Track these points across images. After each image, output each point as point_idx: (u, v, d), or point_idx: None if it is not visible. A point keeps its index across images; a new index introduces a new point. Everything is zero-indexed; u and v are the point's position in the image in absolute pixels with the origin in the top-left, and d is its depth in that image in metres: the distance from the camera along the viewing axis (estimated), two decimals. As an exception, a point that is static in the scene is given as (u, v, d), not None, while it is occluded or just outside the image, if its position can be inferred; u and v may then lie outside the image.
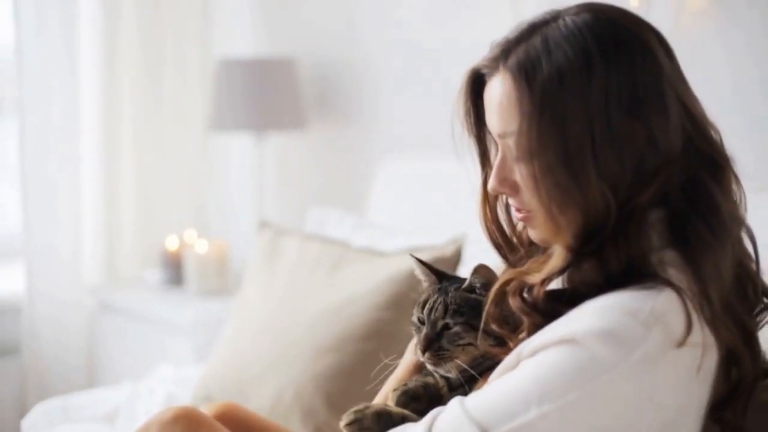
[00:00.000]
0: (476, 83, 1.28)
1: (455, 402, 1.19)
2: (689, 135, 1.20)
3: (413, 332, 1.36)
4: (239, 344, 2.30)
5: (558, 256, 1.21)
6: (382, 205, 2.94)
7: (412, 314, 1.38)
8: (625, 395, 1.11)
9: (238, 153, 3.67)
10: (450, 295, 1.32)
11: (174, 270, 3.38)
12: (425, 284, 1.41)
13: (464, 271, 2.26)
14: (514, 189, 1.23)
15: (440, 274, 1.40)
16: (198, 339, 3.10)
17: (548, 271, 1.21)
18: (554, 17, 1.21)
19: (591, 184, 1.15)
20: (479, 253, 2.35)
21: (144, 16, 3.52)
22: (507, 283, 1.25)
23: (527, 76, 1.17)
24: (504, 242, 1.36)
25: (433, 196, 2.82)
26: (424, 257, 2.14)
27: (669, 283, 1.14)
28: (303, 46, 3.46)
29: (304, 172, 3.55)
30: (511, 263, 1.35)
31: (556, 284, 1.23)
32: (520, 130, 1.18)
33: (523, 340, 1.23)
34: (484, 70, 1.25)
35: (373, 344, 2.08)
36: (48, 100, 3.30)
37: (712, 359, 1.18)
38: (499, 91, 1.21)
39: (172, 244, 3.41)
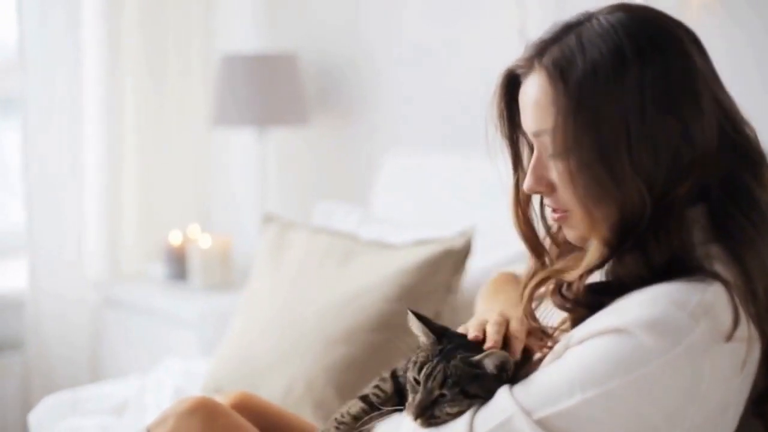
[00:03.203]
0: (510, 85, 1.29)
1: (503, 387, 1.20)
2: (724, 131, 1.22)
3: (408, 388, 1.29)
4: (248, 336, 2.31)
5: (594, 250, 1.22)
6: (386, 199, 2.96)
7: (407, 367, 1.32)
8: (668, 385, 1.12)
9: (240, 148, 3.68)
10: (452, 364, 1.24)
11: (177, 265, 3.40)
12: (422, 340, 1.32)
13: (473, 264, 2.28)
14: (550, 187, 1.25)
15: (440, 331, 1.31)
16: (203, 333, 3.11)
17: (585, 266, 1.22)
18: (588, 17, 1.23)
19: (626, 179, 1.17)
20: (485, 246, 2.38)
21: (147, 11, 3.53)
22: (543, 281, 1.27)
23: (562, 74, 1.19)
24: (537, 243, 1.37)
25: (437, 190, 2.84)
26: (435, 249, 2.17)
27: (717, 277, 1.16)
28: (306, 41, 3.47)
29: (307, 168, 3.56)
30: (542, 264, 1.35)
31: (597, 278, 1.24)
32: (556, 127, 1.19)
33: (564, 332, 1.24)
34: (519, 71, 1.26)
35: (383, 336, 2.10)
36: (51, 96, 3.30)
37: (755, 354, 1.19)
38: (534, 89, 1.22)
39: (175, 238, 3.42)
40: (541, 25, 2.67)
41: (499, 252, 2.34)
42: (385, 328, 2.10)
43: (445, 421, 1.23)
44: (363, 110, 3.32)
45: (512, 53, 2.81)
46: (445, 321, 2.08)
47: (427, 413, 1.24)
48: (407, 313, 1.35)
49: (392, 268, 2.16)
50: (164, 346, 3.20)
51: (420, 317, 1.32)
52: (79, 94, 3.35)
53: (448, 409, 1.23)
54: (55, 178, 3.34)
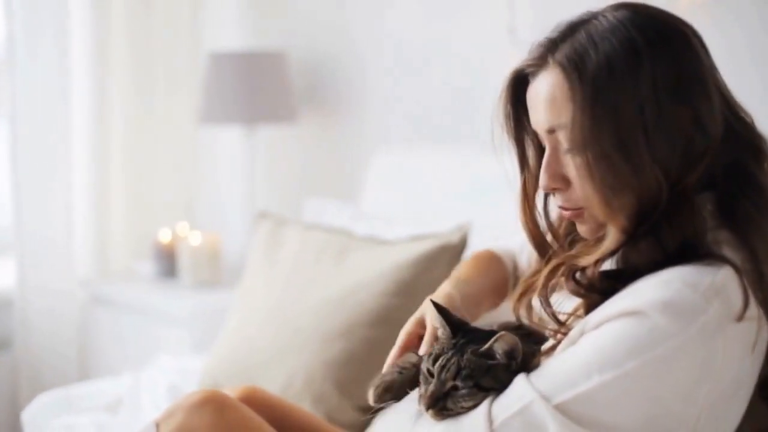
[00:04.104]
0: (517, 85, 1.32)
1: (520, 375, 1.22)
2: (728, 120, 1.26)
3: (420, 380, 1.31)
4: (245, 332, 2.32)
5: (612, 238, 1.25)
6: (375, 196, 2.97)
7: (423, 360, 1.32)
8: (683, 365, 1.15)
9: (228, 146, 3.68)
10: (465, 357, 1.26)
11: (167, 262, 3.40)
12: (440, 332, 1.34)
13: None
14: (566, 183, 1.28)
15: (457, 325, 1.33)
16: (194, 330, 3.12)
17: (602, 252, 1.25)
18: (592, 16, 1.27)
19: (645, 167, 1.20)
20: (476, 241, 2.39)
21: (134, 9, 3.53)
22: (557, 268, 1.30)
23: (577, 68, 1.22)
24: (543, 240, 1.40)
25: (426, 186, 2.85)
26: (431, 245, 2.18)
27: (727, 261, 1.19)
28: (293, 39, 3.48)
29: (295, 165, 3.57)
30: (546, 261, 1.38)
31: (608, 265, 1.27)
32: (573, 121, 1.22)
33: (577, 318, 1.27)
34: (528, 70, 1.29)
35: (381, 331, 2.11)
36: (39, 92, 3.30)
37: (765, 335, 1.23)
38: (547, 85, 1.25)
39: (164, 236, 3.43)
40: (530, 24, 2.71)
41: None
42: (383, 323, 2.12)
43: (458, 414, 1.24)
44: (351, 107, 3.33)
45: (501, 51, 2.84)
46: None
47: (439, 404, 1.25)
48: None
49: (389, 264, 2.17)
50: (154, 344, 3.20)
51: (441, 310, 1.33)
52: (66, 91, 3.34)
53: (463, 403, 1.24)
54: (43, 176, 3.34)
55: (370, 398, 1.36)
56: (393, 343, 2.09)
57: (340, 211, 2.80)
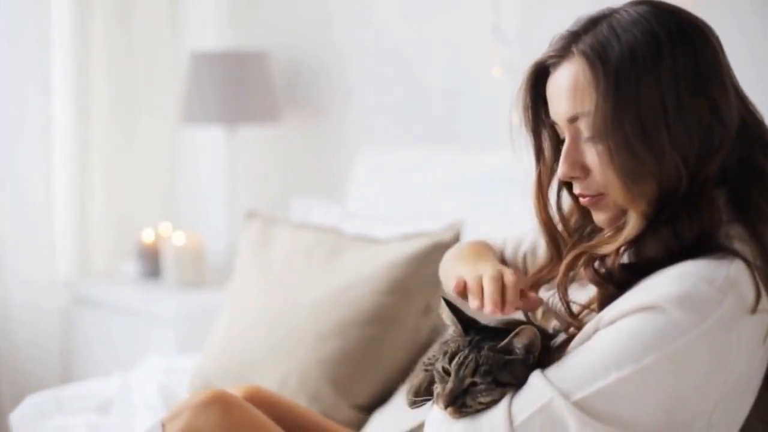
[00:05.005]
0: (536, 78, 1.35)
1: (536, 372, 1.24)
2: (743, 116, 1.29)
3: (436, 378, 1.30)
4: (237, 332, 2.33)
5: (633, 224, 1.27)
6: (361, 195, 2.98)
7: (433, 358, 1.33)
8: (700, 358, 1.18)
9: (210, 146, 3.68)
10: (483, 353, 1.26)
11: (151, 262, 3.40)
12: (451, 330, 1.34)
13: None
14: (585, 171, 1.30)
15: (467, 322, 1.33)
16: (179, 330, 3.12)
17: (624, 239, 1.27)
18: (613, 11, 1.30)
19: (665, 154, 1.23)
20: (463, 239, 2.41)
21: (115, 9, 3.52)
22: (578, 257, 1.31)
23: (601, 57, 1.25)
24: (557, 233, 1.42)
25: (411, 185, 2.87)
26: (424, 243, 2.20)
27: (738, 255, 1.22)
28: (275, 39, 3.48)
29: (277, 165, 3.57)
30: (559, 255, 1.40)
31: (623, 259, 1.29)
32: (596, 108, 1.25)
33: (592, 311, 1.29)
34: (550, 61, 1.32)
35: (375, 329, 2.13)
36: (20, 90, 3.28)
37: None
38: (570, 75, 1.28)
39: (147, 236, 3.42)
40: (515, 22, 2.73)
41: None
42: (377, 321, 2.14)
43: (477, 411, 1.25)
44: (333, 107, 3.34)
45: (485, 49, 2.85)
46: (435, 314, 2.12)
47: (458, 402, 1.25)
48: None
49: (382, 262, 2.19)
50: (138, 345, 3.20)
51: (451, 306, 1.33)
52: (48, 90, 3.33)
53: (481, 399, 1.24)
54: (24, 176, 3.32)
55: (407, 406, 1.37)
56: (387, 342, 2.13)
57: (328, 210, 2.80)
